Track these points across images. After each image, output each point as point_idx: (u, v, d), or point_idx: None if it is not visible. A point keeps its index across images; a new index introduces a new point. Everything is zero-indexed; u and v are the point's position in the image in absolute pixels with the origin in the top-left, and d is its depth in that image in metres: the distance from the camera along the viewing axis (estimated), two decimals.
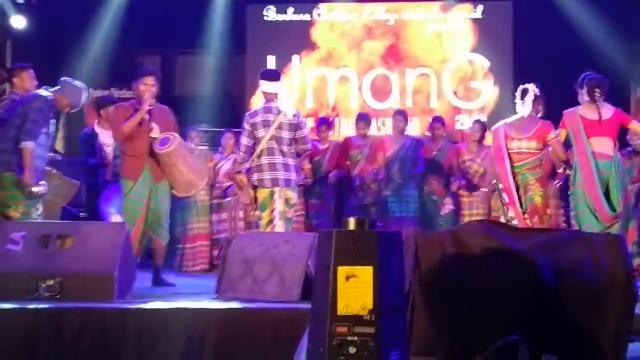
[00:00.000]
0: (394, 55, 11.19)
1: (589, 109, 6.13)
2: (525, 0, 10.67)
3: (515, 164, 6.26)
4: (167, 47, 11.58)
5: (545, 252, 3.49)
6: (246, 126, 6.35)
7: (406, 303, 3.12)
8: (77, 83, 6.26)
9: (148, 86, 6.24)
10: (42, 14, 10.30)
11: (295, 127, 6.31)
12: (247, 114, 6.47)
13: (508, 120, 6.43)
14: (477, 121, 8.58)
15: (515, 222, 6.15)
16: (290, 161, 6.32)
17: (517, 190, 6.20)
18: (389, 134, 9.52)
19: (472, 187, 8.02)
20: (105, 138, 7.72)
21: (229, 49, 11.19)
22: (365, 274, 2.82)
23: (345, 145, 8.29)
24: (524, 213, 6.19)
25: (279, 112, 6.32)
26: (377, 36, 11.22)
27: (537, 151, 6.30)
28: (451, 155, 8.18)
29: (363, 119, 8.30)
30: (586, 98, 6.15)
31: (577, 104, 6.37)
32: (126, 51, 10.62)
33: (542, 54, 10.46)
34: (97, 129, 7.91)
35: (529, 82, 6.43)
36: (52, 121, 6.13)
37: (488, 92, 11.04)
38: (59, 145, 10.04)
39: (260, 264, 5.23)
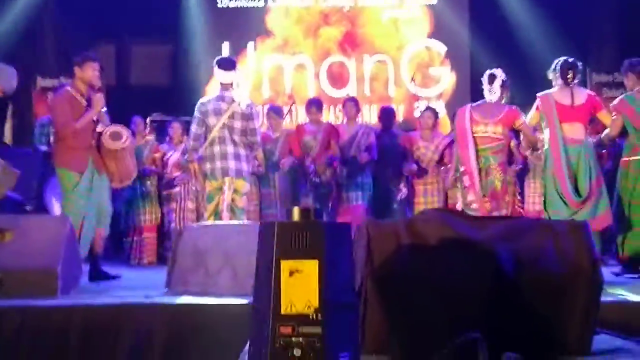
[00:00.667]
0: (350, 42, 11.24)
1: (563, 93, 6.09)
2: None
3: (479, 147, 6.17)
4: (121, 35, 11.50)
5: (505, 241, 3.27)
6: (197, 114, 6.25)
7: (357, 299, 2.85)
8: (6, 66, 6.03)
9: (96, 72, 6.08)
10: None
11: (247, 117, 6.21)
12: (199, 101, 6.36)
13: (474, 104, 6.35)
14: (429, 108, 8.44)
15: (474, 206, 6.11)
16: (242, 151, 6.24)
17: (479, 174, 6.13)
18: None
19: (424, 173, 7.94)
20: None
21: (183, 37, 11.16)
22: (310, 268, 2.56)
23: (298, 132, 8.07)
24: (483, 196, 6.10)
25: (233, 101, 6.23)
26: (333, 22, 11.27)
27: (502, 137, 6.21)
28: (404, 143, 8.06)
29: (314, 104, 8.09)
30: (559, 82, 6.10)
31: (532, 91, 6.38)
32: (77, 39, 10.37)
33: (499, 38, 10.48)
34: None
35: (485, 68, 6.38)
36: None
37: (445, 78, 11.09)
38: (8, 136, 9.73)
39: (212, 256, 5.10)
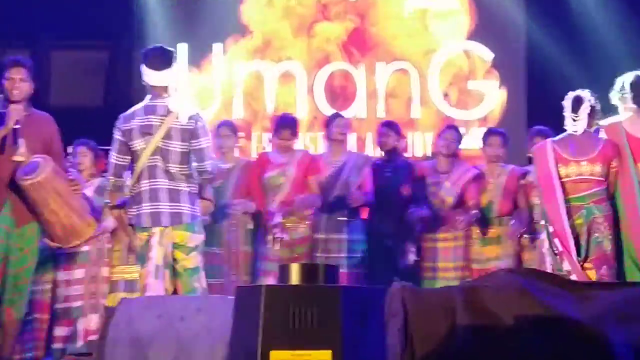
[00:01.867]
0: (359, 44, 11.22)
1: (636, 123, 6.38)
2: None
3: (572, 196, 6.40)
4: (39, 39, 11.65)
5: (620, 322, 3.19)
6: (117, 135, 6.25)
7: None
8: None
9: (14, 81, 6.24)
10: None
11: (190, 135, 6.15)
12: (120, 116, 6.34)
13: (555, 138, 6.62)
14: (451, 127, 8.63)
15: (572, 277, 6.18)
16: (183, 186, 6.19)
17: (579, 232, 6.33)
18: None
19: (438, 222, 7.98)
20: None
21: (123, 39, 11.32)
22: None
23: (259, 164, 8.14)
24: (584, 261, 6.27)
25: (168, 112, 6.16)
26: (334, 16, 11.26)
27: (603, 178, 6.43)
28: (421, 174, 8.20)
29: (287, 125, 8.08)
30: (631, 105, 6.37)
31: (610, 113, 6.66)
32: None
33: (567, 40, 10.57)
34: None
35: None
36: None
37: (492, 95, 11.06)
38: None
39: (159, 346, 4.91)
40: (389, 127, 8.37)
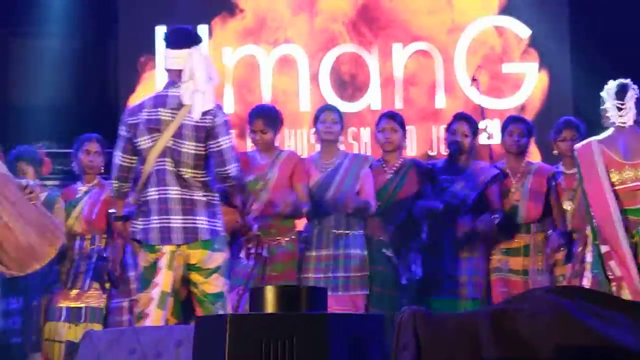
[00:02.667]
0: (371, 22, 11.24)
1: None
2: None
3: (629, 207, 6.46)
4: None
5: None
6: (122, 131, 6.33)
7: None
8: None
9: None
10: None
11: (208, 133, 6.16)
12: (126, 109, 6.51)
13: (601, 137, 6.66)
14: (463, 117, 8.39)
15: None
16: (199, 195, 6.20)
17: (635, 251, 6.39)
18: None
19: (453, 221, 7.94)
20: None
21: (91, 24, 11.50)
22: None
23: None
24: None
25: (180, 104, 6.16)
26: None
27: None
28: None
29: (258, 112, 7.97)
30: None
31: None
32: None
33: (614, 11, 10.56)
34: None
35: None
36: None
37: (531, 80, 11.08)
38: None
39: None
40: (393, 120, 8.24)
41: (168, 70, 6.34)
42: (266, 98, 10.99)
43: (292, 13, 11.19)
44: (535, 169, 7.94)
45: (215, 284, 6.21)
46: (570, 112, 9.92)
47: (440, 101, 11.02)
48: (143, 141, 6.17)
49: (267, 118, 7.87)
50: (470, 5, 11.15)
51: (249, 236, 7.26)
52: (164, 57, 6.42)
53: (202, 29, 10.92)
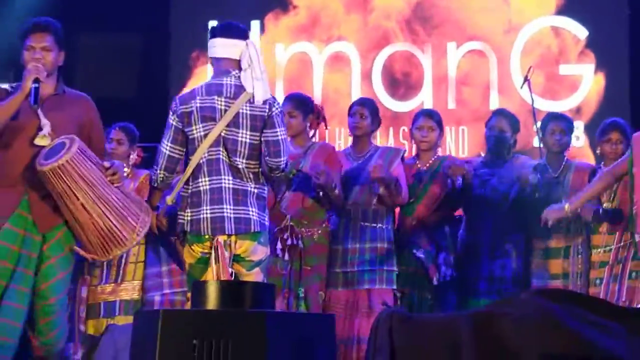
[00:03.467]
0: (424, 20, 11.28)
1: None
2: None
3: None
4: (62, 20, 11.80)
5: None
6: (171, 120, 6.24)
7: None
8: None
9: (34, 50, 6.15)
10: None
11: (264, 123, 6.15)
12: (176, 97, 6.38)
13: None
14: (501, 112, 8.36)
15: None
16: (251, 186, 6.17)
17: None
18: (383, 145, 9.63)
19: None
20: None
21: (143, 19, 11.50)
22: None
23: None
24: None
25: (236, 93, 6.14)
26: None
27: None
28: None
29: (291, 97, 7.92)
30: None
31: None
32: None
33: None
34: None
35: None
36: None
37: (587, 81, 11.03)
38: None
39: None
40: (431, 118, 8.08)
41: (220, 59, 6.25)
42: (317, 96, 11.03)
43: (345, 10, 11.25)
44: (575, 166, 7.90)
45: (256, 278, 6.17)
46: (627, 115, 9.91)
47: (494, 102, 10.98)
48: (195, 130, 6.14)
49: (295, 101, 7.80)
50: (527, 5, 11.12)
51: (282, 226, 7.26)
52: (215, 45, 6.26)
53: (254, 25, 11.16)
